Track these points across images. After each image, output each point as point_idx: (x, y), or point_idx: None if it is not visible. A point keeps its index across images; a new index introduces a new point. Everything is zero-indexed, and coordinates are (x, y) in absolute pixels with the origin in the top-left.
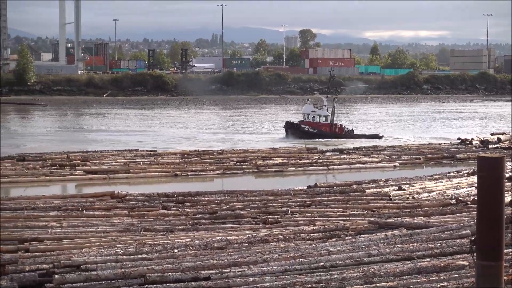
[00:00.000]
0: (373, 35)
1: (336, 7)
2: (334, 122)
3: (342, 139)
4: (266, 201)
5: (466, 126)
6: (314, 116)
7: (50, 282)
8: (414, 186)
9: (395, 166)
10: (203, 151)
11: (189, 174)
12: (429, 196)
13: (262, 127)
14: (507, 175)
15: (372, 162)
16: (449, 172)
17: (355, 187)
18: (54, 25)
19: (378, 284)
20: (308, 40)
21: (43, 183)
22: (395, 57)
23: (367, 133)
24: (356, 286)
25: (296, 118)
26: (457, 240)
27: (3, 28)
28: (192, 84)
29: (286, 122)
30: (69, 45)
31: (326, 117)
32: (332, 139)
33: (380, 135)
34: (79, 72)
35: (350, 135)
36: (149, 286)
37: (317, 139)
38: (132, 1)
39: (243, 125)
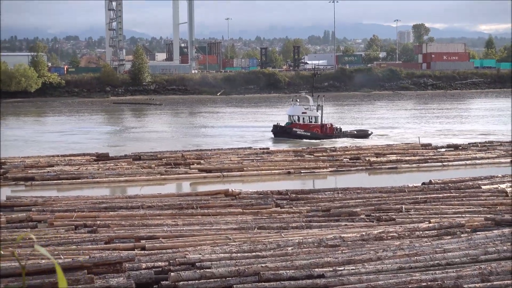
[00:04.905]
0: (488, 28)
1: (449, 2)
2: (324, 122)
3: (333, 139)
4: (380, 198)
5: None
6: (303, 118)
7: (166, 280)
8: None
9: None
10: (315, 148)
11: (302, 171)
12: None
13: (375, 123)
14: None
15: (488, 158)
16: None
17: (470, 183)
18: (168, 25)
19: (495, 283)
20: (422, 35)
21: (158, 181)
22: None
23: (355, 131)
24: (473, 285)
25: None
26: None
27: (119, 30)
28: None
29: (274, 126)
30: (182, 45)
31: (316, 117)
32: (324, 140)
33: (369, 132)
34: (193, 71)
35: (340, 134)
36: (263, 283)
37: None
38: (245, 1)
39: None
